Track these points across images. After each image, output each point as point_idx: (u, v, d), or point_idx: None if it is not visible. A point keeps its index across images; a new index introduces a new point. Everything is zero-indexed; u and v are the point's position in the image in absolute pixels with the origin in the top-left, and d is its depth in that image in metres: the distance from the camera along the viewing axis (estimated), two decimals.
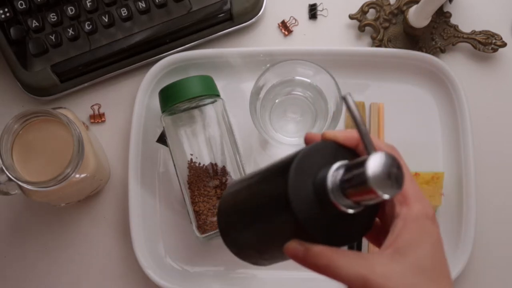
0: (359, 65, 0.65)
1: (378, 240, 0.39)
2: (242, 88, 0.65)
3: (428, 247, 0.35)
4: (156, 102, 0.62)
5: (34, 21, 0.64)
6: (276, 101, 0.63)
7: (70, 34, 0.64)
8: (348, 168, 0.35)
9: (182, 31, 0.65)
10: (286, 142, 0.61)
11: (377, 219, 0.39)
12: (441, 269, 0.36)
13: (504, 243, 0.63)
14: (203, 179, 0.59)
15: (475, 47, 0.66)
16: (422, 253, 0.35)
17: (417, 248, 0.35)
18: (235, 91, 0.65)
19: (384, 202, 0.37)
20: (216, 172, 0.60)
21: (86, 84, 0.66)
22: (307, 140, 0.40)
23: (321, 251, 0.34)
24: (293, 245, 0.35)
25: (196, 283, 0.62)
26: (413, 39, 0.66)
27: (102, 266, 0.64)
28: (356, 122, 0.35)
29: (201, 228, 0.59)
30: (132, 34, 0.65)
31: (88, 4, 0.64)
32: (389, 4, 0.67)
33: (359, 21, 0.67)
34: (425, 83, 0.65)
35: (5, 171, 0.52)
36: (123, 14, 0.64)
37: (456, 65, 0.66)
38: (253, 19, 0.66)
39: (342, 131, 0.38)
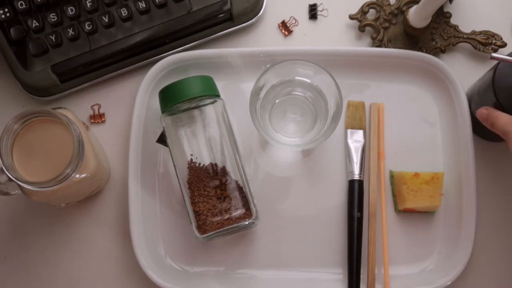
0: (359, 65, 0.65)
1: None
2: (242, 88, 0.65)
3: None
4: (156, 102, 0.62)
5: (34, 21, 0.64)
6: (276, 101, 0.63)
7: (70, 34, 0.64)
8: None
9: (182, 31, 0.65)
10: (286, 142, 0.61)
11: None
12: None
13: (504, 243, 0.63)
14: (203, 179, 0.59)
15: (475, 47, 0.66)
16: None
17: None
18: (235, 91, 0.65)
19: None
20: (216, 172, 0.60)
21: (86, 84, 0.66)
22: None
23: (492, 112, 0.55)
24: (482, 109, 0.56)
25: (196, 283, 0.62)
26: (413, 39, 0.66)
27: (102, 266, 0.64)
28: None
29: (201, 228, 0.59)
30: (132, 34, 0.65)
31: (88, 4, 0.64)
32: (389, 4, 0.67)
33: (359, 21, 0.67)
34: (425, 83, 0.65)
35: (5, 171, 0.52)
36: (123, 14, 0.64)
37: (456, 65, 0.66)
38: (253, 19, 0.66)
39: None
